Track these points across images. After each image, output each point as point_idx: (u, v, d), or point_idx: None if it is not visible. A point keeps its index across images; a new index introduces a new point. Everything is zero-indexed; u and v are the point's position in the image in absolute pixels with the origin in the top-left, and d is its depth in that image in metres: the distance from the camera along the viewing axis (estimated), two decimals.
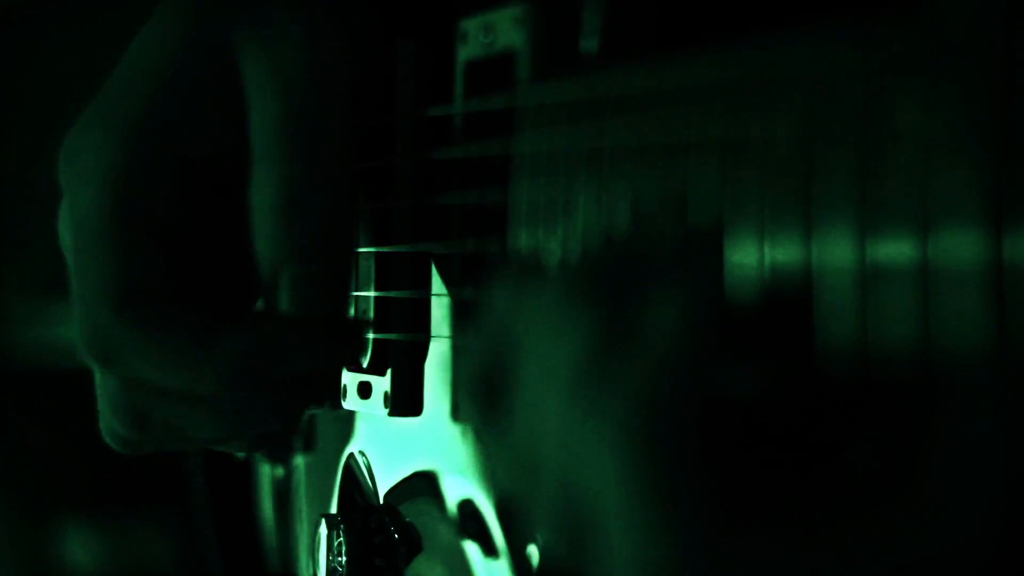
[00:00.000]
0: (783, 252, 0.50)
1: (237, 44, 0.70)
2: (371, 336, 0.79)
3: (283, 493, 0.95)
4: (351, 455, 0.84)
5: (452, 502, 0.75)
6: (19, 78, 1.76)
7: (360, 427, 0.84)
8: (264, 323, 0.71)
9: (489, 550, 0.72)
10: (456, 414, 0.73)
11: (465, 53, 0.72)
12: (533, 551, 0.69)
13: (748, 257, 0.51)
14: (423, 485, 0.77)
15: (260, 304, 0.74)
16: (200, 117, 0.71)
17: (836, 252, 0.48)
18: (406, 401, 0.77)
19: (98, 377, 0.74)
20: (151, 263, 0.70)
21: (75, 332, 0.71)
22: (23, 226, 1.82)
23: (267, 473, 0.97)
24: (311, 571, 0.86)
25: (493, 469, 0.56)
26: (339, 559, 0.82)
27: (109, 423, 0.74)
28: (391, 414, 0.77)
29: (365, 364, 0.78)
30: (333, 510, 0.85)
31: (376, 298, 0.79)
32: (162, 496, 1.64)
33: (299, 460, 0.92)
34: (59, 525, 1.72)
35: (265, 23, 0.70)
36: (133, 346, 0.69)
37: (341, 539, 0.82)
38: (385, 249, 0.77)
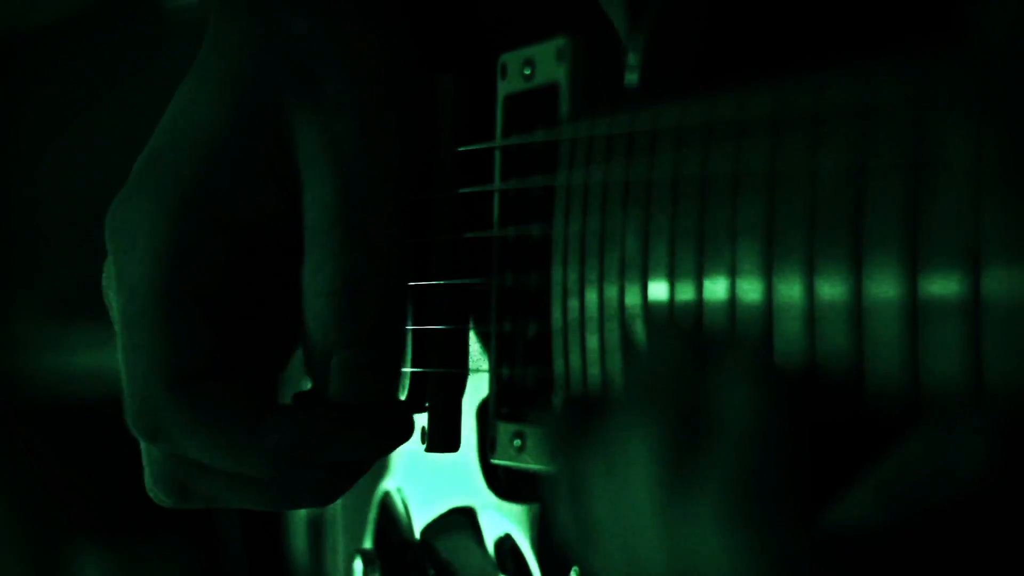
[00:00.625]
0: (830, 287, 0.49)
1: (289, 114, 0.70)
2: (408, 370, 0.79)
3: (316, 526, 0.95)
4: (388, 491, 0.84)
5: (489, 539, 0.74)
6: (33, 108, 1.77)
7: (396, 462, 0.84)
8: (313, 410, 0.70)
9: None
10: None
11: (505, 88, 0.72)
12: None
13: (794, 292, 0.51)
14: (460, 521, 0.77)
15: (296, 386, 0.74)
16: (250, 185, 0.70)
17: (885, 288, 0.47)
18: (443, 437, 0.77)
19: (143, 444, 0.73)
20: (201, 339, 0.69)
21: (124, 404, 0.71)
22: (38, 254, 1.82)
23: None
24: None
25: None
26: None
27: (152, 488, 0.74)
28: (428, 450, 0.77)
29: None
30: (367, 545, 0.85)
31: (414, 332, 0.78)
32: (175, 525, 1.64)
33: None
34: (72, 551, 1.72)
35: (318, 96, 0.69)
36: (182, 425, 0.68)
37: (377, 575, 0.82)
38: (423, 283, 0.77)
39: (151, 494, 0.75)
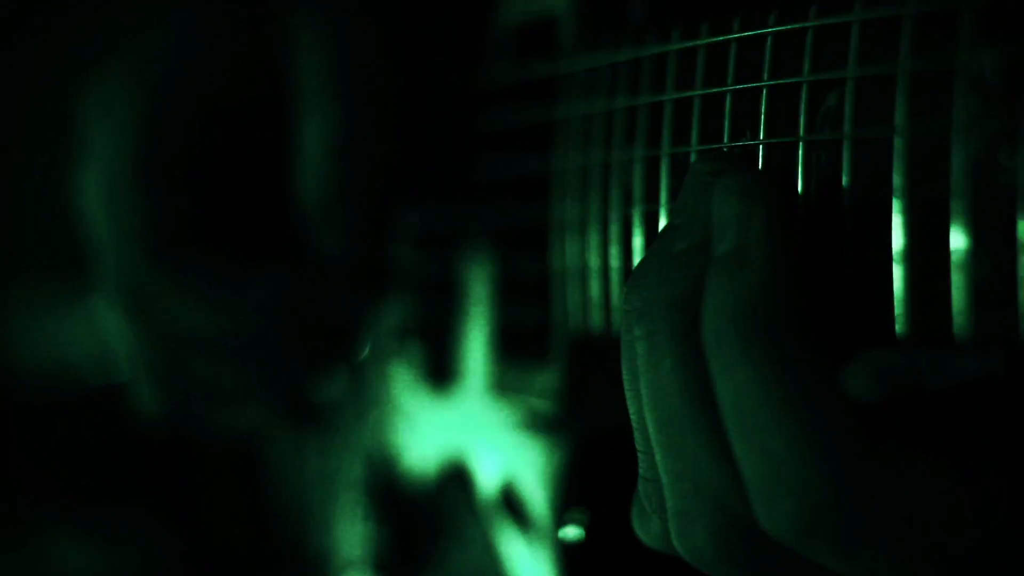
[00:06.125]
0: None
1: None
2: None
3: (309, 474, 0.94)
4: (385, 433, 0.83)
5: (489, 482, 0.74)
6: (22, 98, 1.77)
7: (391, 411, 0.83)
8: (299, 266, 0.71)
9: (526, 529, 0.71)
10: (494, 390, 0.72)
11: (504, 18, 0.71)
12: (571, 530, 0.68)
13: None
14: (460, 461, 0.76)
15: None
16: (228, 67, 0.71)
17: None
18: (441, 372, 0.76)
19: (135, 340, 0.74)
20: (182, 209, 0.70)
21: (107, 283, 0.72)
22: (24, 240, 1.82)
23: (290, 454, 0.97)
24: (343, 553, 0.86)
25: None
26: (374, 539, 0.82)
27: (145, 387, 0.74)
28: (427, 385, 0.77)
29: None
30: (365, 493, 0.85)
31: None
32: (148, 492, 1.64)
33: (326, 442, 0.91)
34: (44, 522, 1.72)
35: None
36: (167, 290, 0.69)
37: (376, 520, 0.82)
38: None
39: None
